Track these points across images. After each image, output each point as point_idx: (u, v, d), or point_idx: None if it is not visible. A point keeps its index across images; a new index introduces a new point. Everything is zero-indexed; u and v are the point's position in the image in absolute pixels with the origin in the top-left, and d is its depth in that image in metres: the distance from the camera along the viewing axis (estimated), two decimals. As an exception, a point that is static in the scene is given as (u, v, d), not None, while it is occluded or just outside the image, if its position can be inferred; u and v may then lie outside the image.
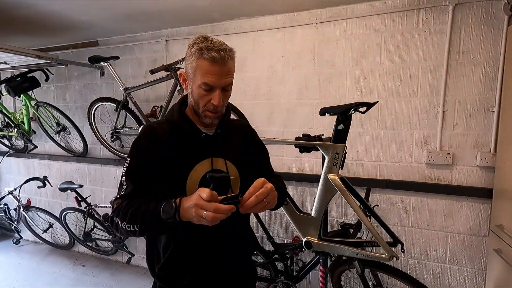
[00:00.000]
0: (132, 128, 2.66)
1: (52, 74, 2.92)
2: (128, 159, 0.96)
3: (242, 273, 1.12)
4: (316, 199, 1.60)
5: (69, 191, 2.86)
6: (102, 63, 2.62)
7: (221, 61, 0.88)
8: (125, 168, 0.96)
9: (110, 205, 2.63)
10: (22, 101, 2.96)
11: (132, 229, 0.87)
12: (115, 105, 2.64)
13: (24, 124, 3.07)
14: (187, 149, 0.98)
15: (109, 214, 2.79)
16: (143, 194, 0.93)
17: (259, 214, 2.16)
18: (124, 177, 0.95)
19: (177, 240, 0.97)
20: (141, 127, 1.04)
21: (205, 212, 0.76)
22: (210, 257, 1.02)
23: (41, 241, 3.49)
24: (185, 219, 0.82)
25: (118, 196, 0.95)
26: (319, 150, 1.57)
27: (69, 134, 3.06)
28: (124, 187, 0.94)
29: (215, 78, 0.90)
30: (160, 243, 1.01)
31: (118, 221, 0.90)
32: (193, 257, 1.00)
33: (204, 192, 0.77)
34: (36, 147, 3.25)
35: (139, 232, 0.87)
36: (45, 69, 2.78)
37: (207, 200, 0.76)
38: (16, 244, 3.49)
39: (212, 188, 0.79)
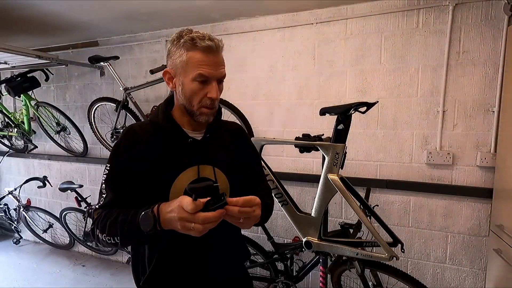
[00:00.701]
0: (132, 128, 2.65)
1: (52, 74, 2.93)
2: (108, 165, 0.89)
3: (232, 281, 1.05)
4: (316, 199, 1.60)
5: (69, 191, 2.86)
6: (102, 63, 2.62)
7: (216, 49, 0.85)
8: (105, 175, 0.89)
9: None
10: (22, 101, 2.97)
11: (112, 241, 0.81)
12: (115, 105, 2.64)
13: (24, 124, 3.07)
14: (172, 154, 0.91)
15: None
16: (123, 202, 0.86)
17: (259, 214, 2.15)
18: (103, 185, 0.88)
19: (160, 250, 0.91)
20: (123, 130, 0.99)
21: (193, 225, 0.71)
22: (196, 266, 0.95)
23: (41, 241, 3.50)
24: (167, 228, 0.76)
25: (97, 206, 0.88)
26: (319, 150, 1.57)
27: (69, 134, 3.06)
28: (104, 195, 0.88)
29: (211, 69, 0.85)
30: (144, 254, 0.95)
31: (98, 233, 0.84)
32: (178, 268, 0.94)
33: (187, 204, 0.71)
34: (36, 147, 3.25)
35: (120, 243, 0.82)
36: (45, 69, 2.79)
37: (192, 213, 0.70)
38: (16, 244, 3.49)
39: (194, 198, 0.72)
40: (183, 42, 0.84)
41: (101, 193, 0.89)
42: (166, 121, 0.93)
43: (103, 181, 0.89)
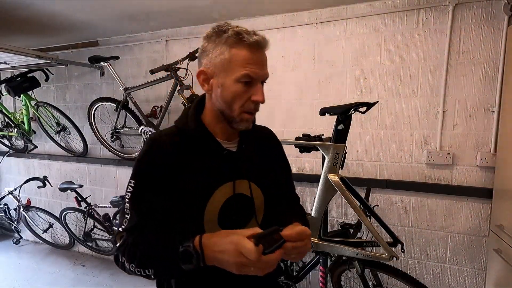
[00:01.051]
0: (132, 128, 2.66)
1: (52, 74, 2.93)
2: (132, 181, 0.79)
3: None
4: (316, 199, 1.60)
5: (69, 191, 2.86)
6: (102, 63, 2.62)
7: (264, 46, 0.77)
8: (129, 193, 0.79)
9: (110, 205, 2.63)
10: (22, 101, 2.97)
11: (143, 273, 0.73)
12: (115, 105, 2.64)
13: (24, 124, 3.06)
14: (205, 168, 0.80)
15: (109, 215, 2.80)
16: (150, 226, 0.77)
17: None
18: (128, 204, 0.78)
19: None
20: (147, 140, 0.85)
21: (252, 268, 0.65)
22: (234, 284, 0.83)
23: (41, 241, 3.49)
24: (211, 264, 0.69)
25: (121, 229, 0.78)
26: (319, 150, 1.57)
27: (69, 134, 3.06)
28: (128, 216, 0.77)
29: (258, 68, 0.75)
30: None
31: (124, 261, 0.75)
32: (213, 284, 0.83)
33: (250, 252, 0.63)
34: (36, 147, 3.25)
35: (154, 277, 0.74)
36: (45, 69, 2.79)
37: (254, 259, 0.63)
38: (16, 244, 3.48)
39: (257, 244, 0.64)
40: (227, 37, 0.73)
41: (124, 212, 0.79)
42: (198, 130, 0.81)
43: (128, 200, 0.79)
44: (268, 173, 0.91)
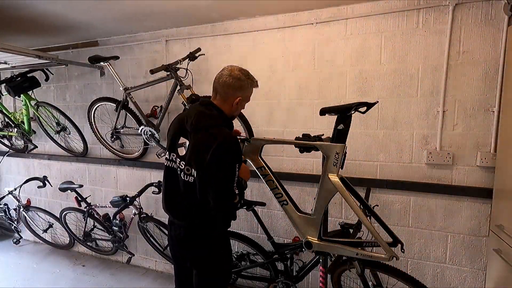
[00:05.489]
0: (132, 128, 2.66)
1: (52, 74, 2.92)
2: (237, 164, 1.33)
3: None
4: (316, 199, 1.60)
5: (69, 191, 2.87)
6: (102, 63, 2.62)
7: None
8: (237, 171, 1.34)
9: (110, 205, 2.63)
10: (22, 101, 2.97)
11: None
12: (115, 105, 2.64)
13: (24, 124, 3.07)
14: None
15: (108, 215, 2.81)
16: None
17: (259, 214, 2.16)
18: (234, 184, 1.34)
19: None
20: (233, 137, 1.38)
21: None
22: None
23: (41, 241, 3.50)
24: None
25: (236, 201, 1.38)
26: (319, 150, 1.56)
27: (69, 134, 3.06)
28: (235, 184, 1.35)
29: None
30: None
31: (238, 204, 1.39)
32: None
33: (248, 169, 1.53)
34: (36, 147, 3.25)
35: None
36: (45, 69, 2.79)
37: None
38: (16, 244, 3.49)
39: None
40: (251, 83, 1.46)
41: (230, 189, 1.33)
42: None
43: (236, 180, 1.35)
44: None
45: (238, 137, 1.62)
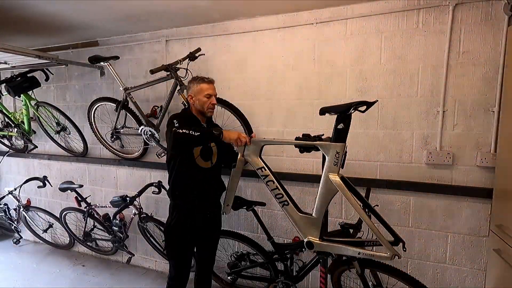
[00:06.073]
0: (132, 128, 2.66)
1: (52, 74, 2.92)
2: (175, 121, 1.69)
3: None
4: (317, 199, 1.60)
5: (69, 191, 2.87)
6: (102, 63, 2.62)
7: (213, 81, 1.84)
8: (177, 124, 1.67)
9: (110, 205, 2.63)
10: (22, 101, 2.97)
11: (190, 133, 1.54)
12: (115, 105, 2.64)
13: (24, 124, 3.07)
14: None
15: (108, 215, 2.81)
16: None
17: (259, 214, 2.16)
18: (176, 126, 1.64)
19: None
20: (177, 113, 1.85)
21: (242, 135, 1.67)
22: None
23: (41, 241, 3.50)
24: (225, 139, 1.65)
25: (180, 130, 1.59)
26: (319, 150, 1.56)
27: (69, 134, 3.06)
28: (178, 126, 1.64)
29: (212, 90, 1.82)
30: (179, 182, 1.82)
31: (180, 130, 1.56)
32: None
33: (243, 135, 1.68)
34: (36, 147, 3.25)
35: (196, 135, 1.55)
36: (45, 69, 2.78)
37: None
38: (16, 244, 3.49)
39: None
40: (198, 80, 1.82)
41: (174, 127, 1.62)
42: (194, 116, 1.86)
43: (176, 126, 1.64)
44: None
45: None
